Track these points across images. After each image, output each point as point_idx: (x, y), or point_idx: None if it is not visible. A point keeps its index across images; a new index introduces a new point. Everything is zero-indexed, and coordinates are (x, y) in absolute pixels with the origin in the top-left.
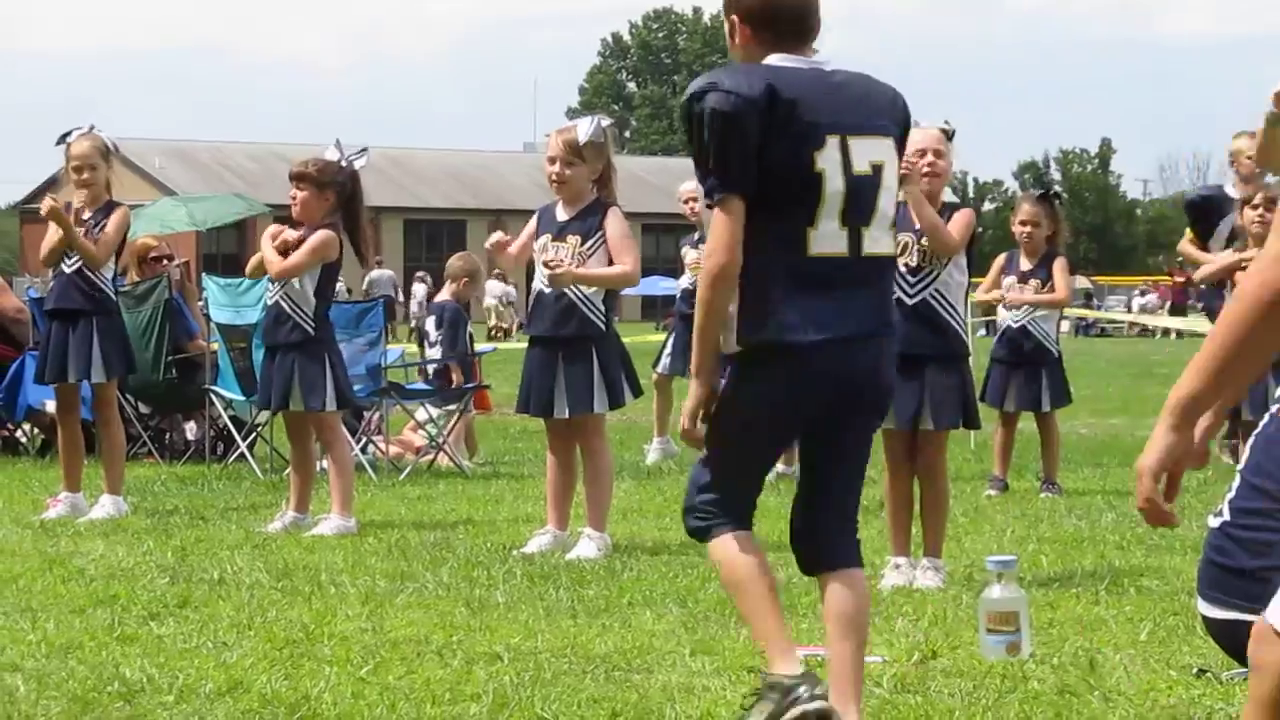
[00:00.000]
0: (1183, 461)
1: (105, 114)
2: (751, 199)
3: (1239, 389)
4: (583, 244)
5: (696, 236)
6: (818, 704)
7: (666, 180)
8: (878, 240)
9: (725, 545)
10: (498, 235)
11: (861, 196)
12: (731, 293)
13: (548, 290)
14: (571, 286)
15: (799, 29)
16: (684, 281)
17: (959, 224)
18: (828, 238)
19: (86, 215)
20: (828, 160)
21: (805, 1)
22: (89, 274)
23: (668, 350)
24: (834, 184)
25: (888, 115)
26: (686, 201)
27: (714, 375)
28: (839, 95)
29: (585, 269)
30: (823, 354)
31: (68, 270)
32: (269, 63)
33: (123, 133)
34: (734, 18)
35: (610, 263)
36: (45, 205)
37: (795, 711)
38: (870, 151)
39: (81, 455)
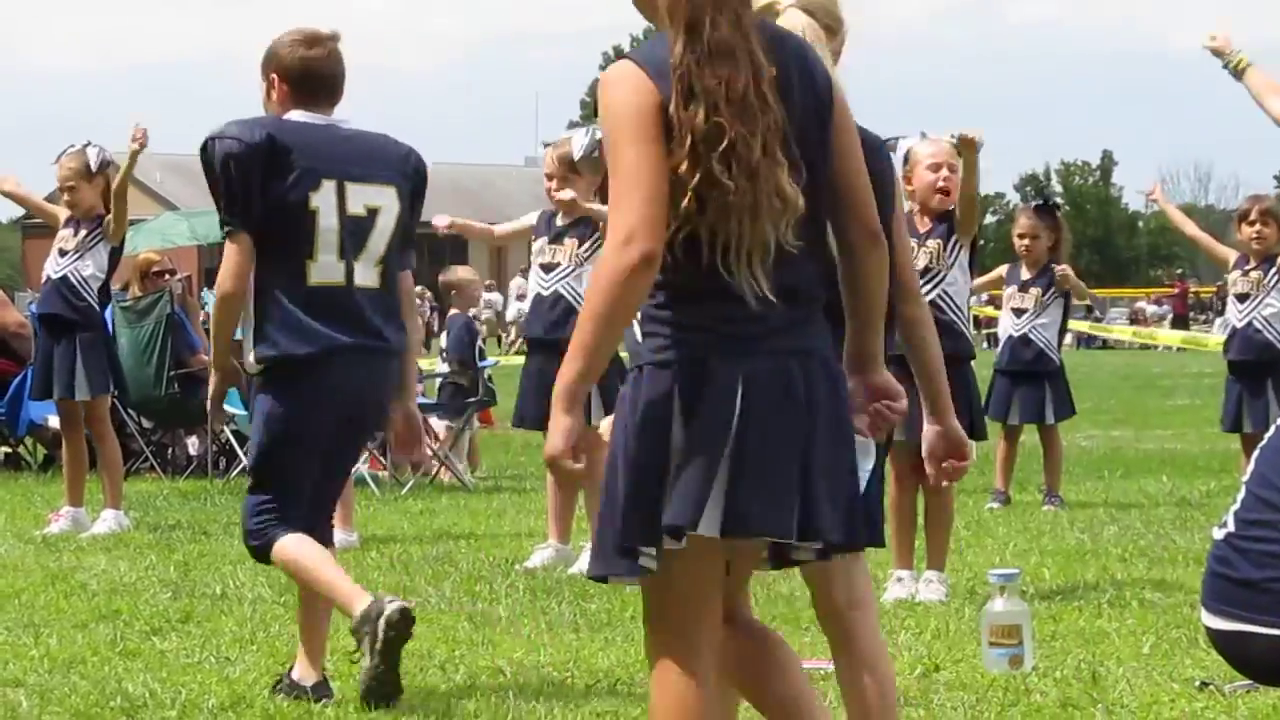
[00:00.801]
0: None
1: (106, 129)
2: (261, 233)
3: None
4: (580, 246)
5: None
6: (396, 604)
7: None
8: (367, 274)
9: (285, 545)
10: (446, 219)
11: (356, 234)
12: (238, 315)
13: (545, 293)
14: (570, 290)
15: (326, 91)
16: None
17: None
18: (326, 269)
19: (82, 231)
20: (322, 200)
21: (335, 71)
22: (74, 282)
23: None
24: (328, 221)
25: (395, 169)
26: None
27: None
28: (344, 147)
29: (591, 204)
30: (324, 369)
31: (54, 276)
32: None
33: (123, 147)
34: (273, 76)
35: None
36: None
37: (382, 622)
38: (368, 197)
39: (84, 470)
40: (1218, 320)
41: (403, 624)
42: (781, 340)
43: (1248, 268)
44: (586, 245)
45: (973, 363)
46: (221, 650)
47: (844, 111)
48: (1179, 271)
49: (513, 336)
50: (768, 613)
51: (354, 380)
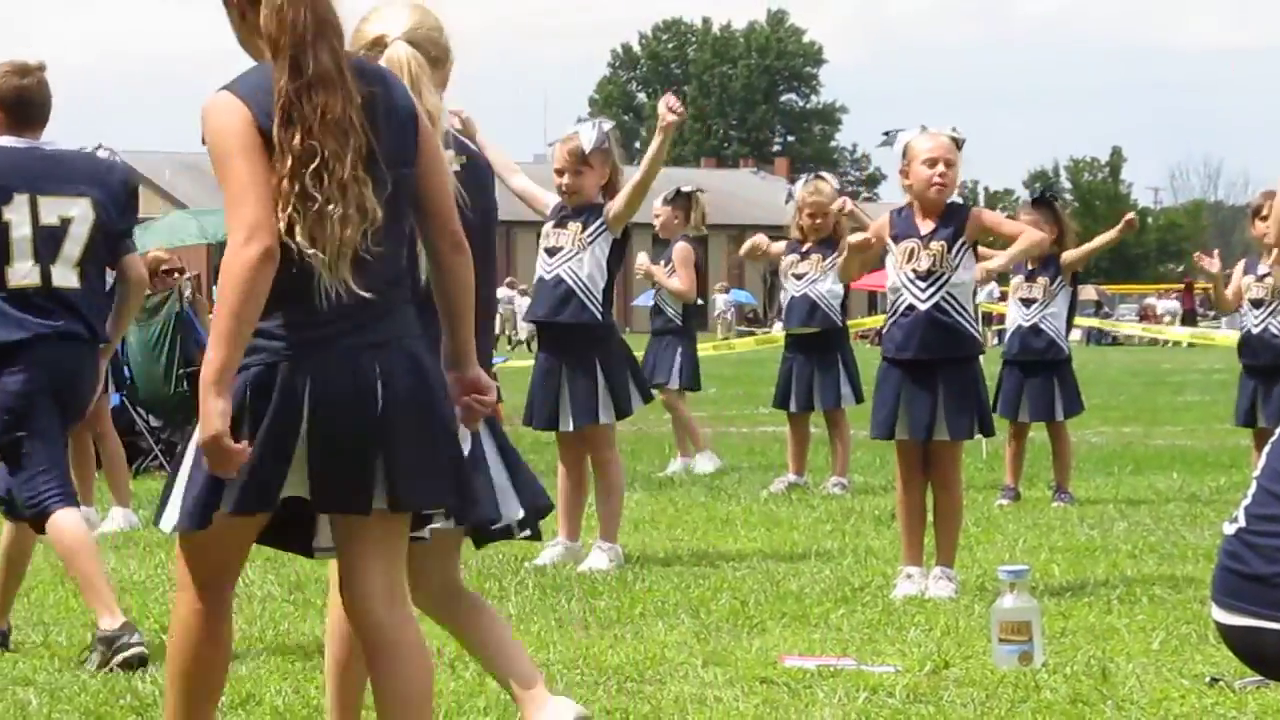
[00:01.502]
0: None
1: (116, 127)
2: None
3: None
4: (583, 231)
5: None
6: (136, 649)
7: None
8: (65, 275)
9: (57, 521)
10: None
11: (51, 241)
12: None
13: (548, 276)
14: (571, 273)
15: (38, 116)
16: (651, 297)
17: (999, 219)
18: (21, 273)
19: None
20: (15, 213)
21: (45, 98)
22: None
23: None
24: (20, 231)
25: (92, 182)
26: (657, 215)
27: None
28: (40, 165)
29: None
30: (35, 352)
31: None
32: None
33: (133, 146)
34: None
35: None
36: None
37: (118, 657)
38: (61, 208)
39: (93, 469)
40: (1224, 319)
41: (134, 666)
42: (358, 336)
43: (1262, 273)
44: (590, 230)
45: (981, 359)
46: (232, 647)
47: (428, 134)
48: (1180, 270)
49: (522, 335)
50: (776, 610)
51: (63, 363)
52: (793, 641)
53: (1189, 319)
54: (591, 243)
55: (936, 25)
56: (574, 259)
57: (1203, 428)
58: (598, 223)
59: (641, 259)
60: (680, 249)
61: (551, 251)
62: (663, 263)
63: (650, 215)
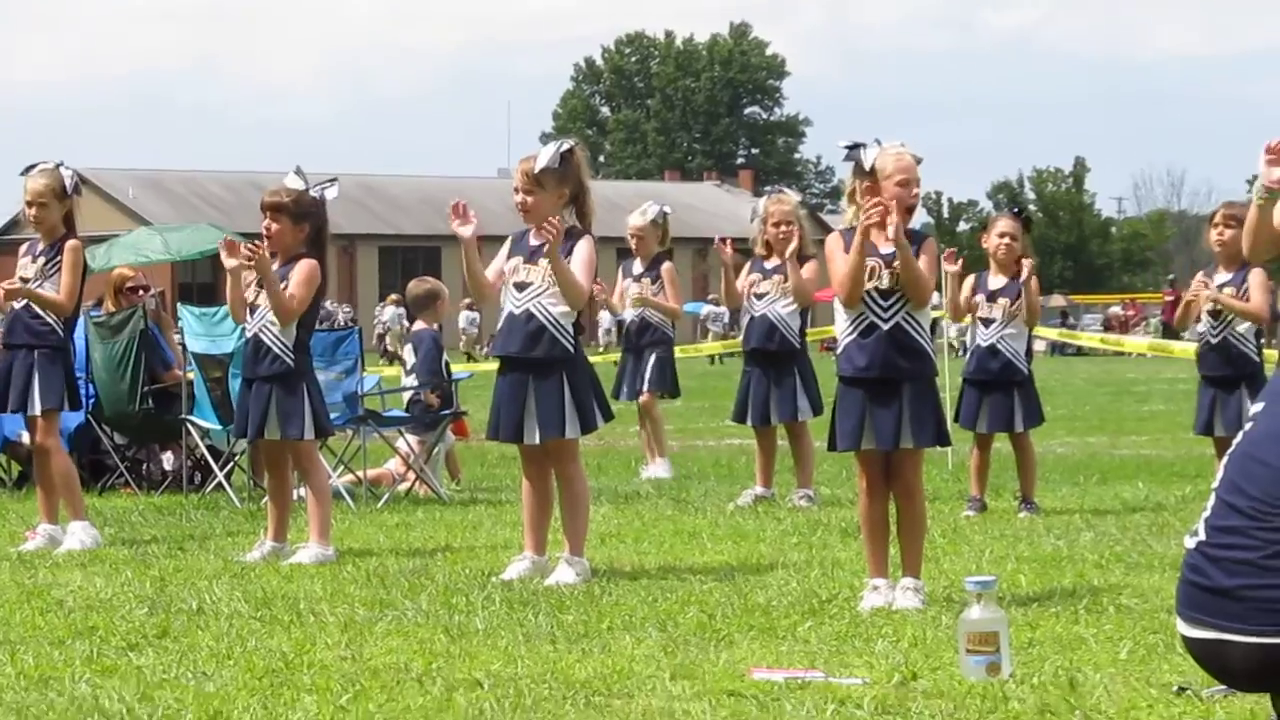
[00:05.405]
0: None
1: (78, 144)
2: None
3: None
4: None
5: (637, 269)
6: None
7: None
8: None
9: None
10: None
11: None
12: None
13: (518, 312)
14: (542, 309)
15: None
16: (627, 314)
17: (929, 263)
18: None
19: (40, 248)
20: None
21: None
22: (38, 310)
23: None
24: None
25: None
26: (632, 236)
27: None
28: None
29: (558, 257)
30: None
31: (17, 306)
32: (243, 91)
33: (95, 163)
34: None
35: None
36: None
37: None
38: None
39: (56, 490)
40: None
41: None
42: None
43: (1221, 281)
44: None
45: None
46: (199, 665)
47: None
48: (1171, 278)
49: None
50: (744, 623)
51: None
52: (761, 654)
53: (1171, 333)
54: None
55: (901, 37)
56: (545, 294)
57: (1168, 437)
58: (566, 262)
59: (630, 289)
60: (669, 269)
61: (521, 287)
62: (649, 280)
63: (623, 230)
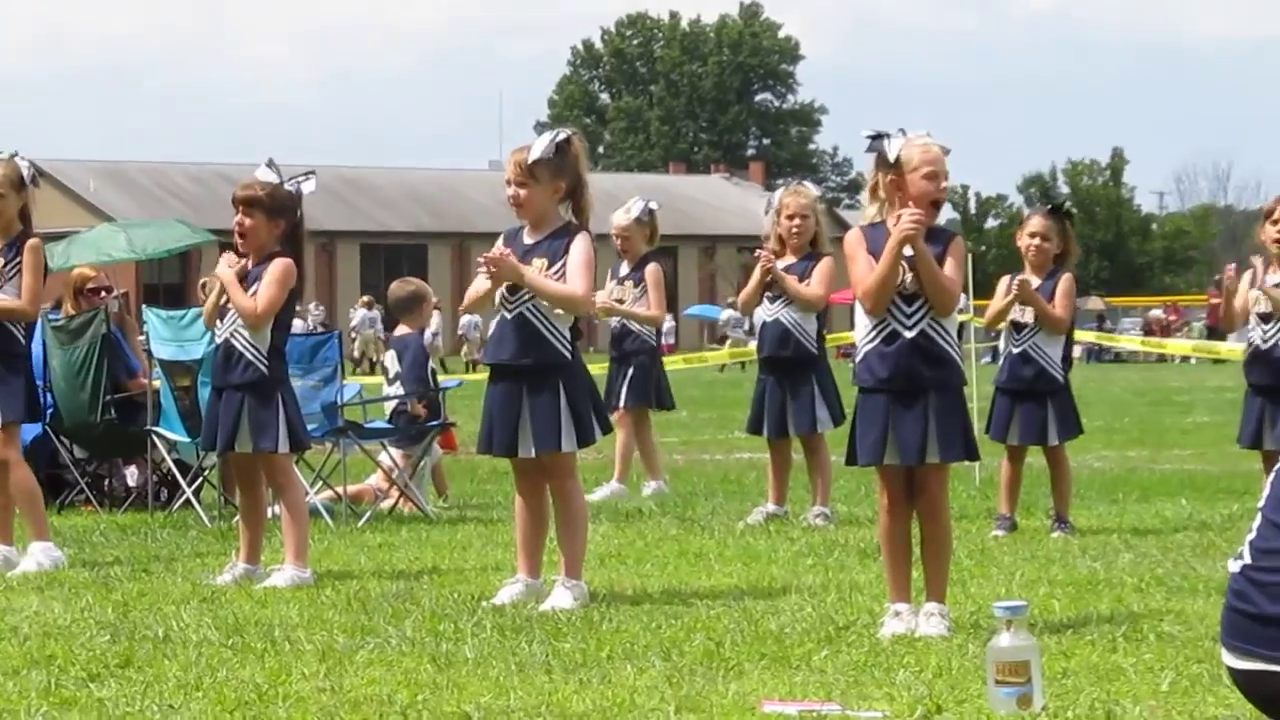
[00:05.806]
0: None
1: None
2: None
3: None
4: (549, 268)
5: (624, 270)
6: None
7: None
8: None
9: None
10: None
11: None
12: None
13: (510, 316)
14: (535, 311)
15: None
16: (611, 321)
17: (956, 265)
18: None
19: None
20: None
21: None
22: None
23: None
24: None
25: None
26: (617, 236)
27: None
28: None
29: (533, 276)
30: None
31: None
32: (215, 76)
33: (53, 154)
34: None
35: None
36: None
37: None
38: None
39: (13, 507)
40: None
41: None
42: None
43: (1273, 282)
44: (556, 266)
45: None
46: (165, 697)
47: None
48: (1217, 279)
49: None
50: (755, 651)
51: None
52: (772, 685)
53: (1216, 335)
54: (557, 278)
55: (925, 17)
56: (539, 297)
57: (1214, 451)
58: (563, 260)
59: (600, 296)
60: (653, 271)
61: (513, 289)
62: (631, 283)
63: (609, 227)
